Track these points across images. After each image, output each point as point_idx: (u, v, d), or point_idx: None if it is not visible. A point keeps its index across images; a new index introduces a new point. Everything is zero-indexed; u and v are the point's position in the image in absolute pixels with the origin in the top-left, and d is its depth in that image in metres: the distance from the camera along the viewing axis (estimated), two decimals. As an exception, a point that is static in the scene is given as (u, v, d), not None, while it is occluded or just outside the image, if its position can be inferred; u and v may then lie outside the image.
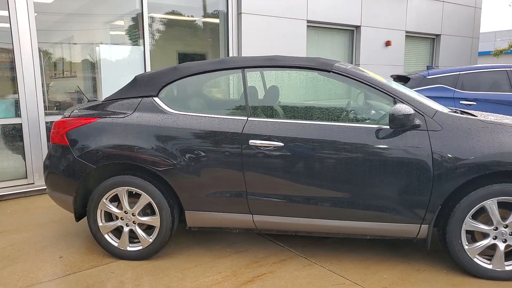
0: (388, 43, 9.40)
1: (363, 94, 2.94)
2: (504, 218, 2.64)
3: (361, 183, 2.68)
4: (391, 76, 7.67)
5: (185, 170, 2.84)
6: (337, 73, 2.83)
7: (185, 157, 2.84)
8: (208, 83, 3.07)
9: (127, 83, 3.11)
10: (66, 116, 3.16)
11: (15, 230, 3.67)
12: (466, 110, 3.29)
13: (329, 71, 2.85)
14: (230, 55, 6.51)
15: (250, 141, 2.77)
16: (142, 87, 3.07)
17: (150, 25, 5.66)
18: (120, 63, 5.40)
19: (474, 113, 3.09)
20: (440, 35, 10.86)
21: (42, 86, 4.91)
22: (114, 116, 3.00)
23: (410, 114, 2.53)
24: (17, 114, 4.76)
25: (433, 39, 11.09)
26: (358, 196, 2.71)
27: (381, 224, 2.76)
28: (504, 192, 2.56)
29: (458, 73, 6.89)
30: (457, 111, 3.20)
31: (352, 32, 8.70)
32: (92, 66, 5.35)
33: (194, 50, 6.19)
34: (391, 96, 2.73)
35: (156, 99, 3.01)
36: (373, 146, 2.65)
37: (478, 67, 6.89)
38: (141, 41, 5.53)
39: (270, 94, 3.37)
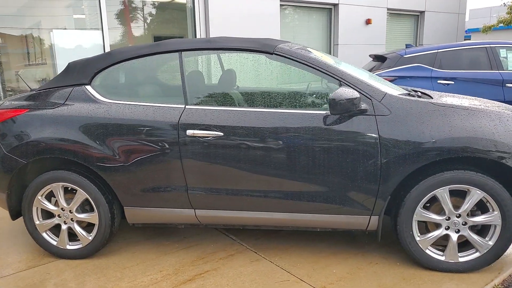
0: (368, 21, 9.11)
1: (321, 80, 2.72)
2: (457, 207, 2.48)
3: (305, 174, 2.50)
4: (370, 55, 7.44)
5: (120, 164, 2.65)
6: (280, 55, 2.62)
7: (119, 150, 2.64)
8: (146, 69, 2.84)
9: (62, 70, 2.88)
10: (-3, 108, 2.93)
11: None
12: (424, 91, 3.10)
13: (271, 53, 2.63)
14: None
15: (188, 131, 2.56)
16: (74, 75, 2.84)
17: (108, 8, 5.37)
18: (78, 48, 5.12)
19: (430, 94, 2.90)
20: (424, 11, 10.56)
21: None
22: (44, 107, 2.78)
23: (354, 98, 2.33)
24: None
25: (417, 16, 10.79)
26: (303, 187, 2.53)
27: (328, 216, 2.59)
28: (456, 179, 2.40)
29: (436, 51, 6.66)
30: (415, 92, 3.00)
31: (329, 10, 8.40)
32: (46, 53, 5.07)
33: (159, 33, 5.92)
34: (336, 79, 2.52)
35: (88, 87, 2.79)
36: (316, 134, 2.46)
37: (457, 45, 6.66)
38: (99, 25, 5.25)
39: (223, 80, 3.14)
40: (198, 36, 6.12)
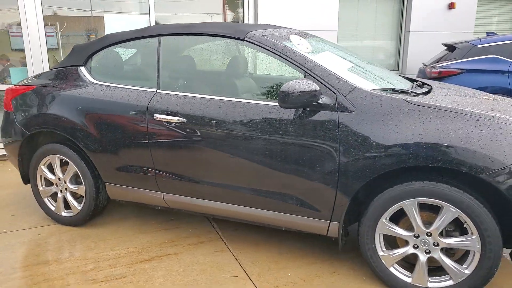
0: (451, 5, 8.10)
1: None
2: (429, 223, 2.13)
3: (261, 168, 2.36)
4: (443, 44, 6.64)
5: (99, 142, 2.80)
6: (250, 42, 2.48)
7: (99, 128, 2.78)
8: (130, 52, 2.92)
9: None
10: (18, 84, 3.29)
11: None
12: (431, 84, 2.68)
13: (242, 40, 2.51)
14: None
15: (155, 115, 2.60)
16: (74, 57, 3.05)
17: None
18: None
19: (435, 89, 2.50)
20: (528, -6, 9.03)
21: None
22: (47, 85, 3.04)
23: (310, 91, 2.11)
24: None
25: (519, 0, 9.27)
26: (259, 181, 2.40)
27: (287, 216, 2.43)
28: (425, 192, 2.05)
29: (519, 40, 5.67)
30: (419, 87, 2.62)
31: (401, -6, 7.65)
32: (100, 36, 5.49)
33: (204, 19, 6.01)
34: (302, 69, 2.31)
35: (81, 68, 2.97)
36: (273, 127, 2.29)
37: (546, 34, 5.60)
38: (147, 10, 5.52)
39: (194, 66, 3.00)
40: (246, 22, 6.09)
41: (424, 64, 6.45)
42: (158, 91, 2.65)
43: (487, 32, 6.52)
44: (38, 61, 5.00)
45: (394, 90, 2.34)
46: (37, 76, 3.22)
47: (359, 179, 2.14)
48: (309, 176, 2.26)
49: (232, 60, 2.80)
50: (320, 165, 2.22)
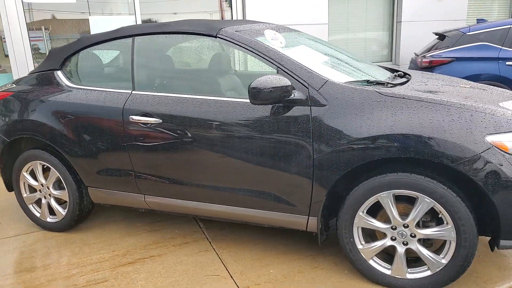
0: (442, -8, 8.03)
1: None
2: (406, 215, 2.11)
3: (237, 166, 2.35)
4: (434, 33, 6.60)
5: (79, 146, 2.78)
6: (223, 39, 2.46)
7: (77, 132, 2.77)
8: (104, 54, 2.90)
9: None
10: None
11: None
12: (411, 73, 2.66)
13: (214, 36, 2.48)
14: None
15: (131, 116, 2.58)
16: (50, 61, 3.04)
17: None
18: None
19: (415, 78, 2.49)
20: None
21: None
22: (23, 91, 3.03)
23: (281, 87, 2.09)
24: None
25: (510, -15, 9.20)
26: (236, 179, 2.39)
27: (266, 213, 2.42)
28: (399, 183, 2.03)
29: (508, 26, 5.63)
30: (397, 77, 2.60)
31: (390, -19, 7.59)
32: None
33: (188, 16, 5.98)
34: (274, 64, 2.29)
35: (58, 72, 2.96)
36: (247, 124, 2.28)
37: (535, 19, 5.55)
38: (133, 10, 5.48)
39: (169, 65, 2.95)
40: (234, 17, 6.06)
41: (415, 54, 6.41)
42: (133, 92, 2.64)
43: (477, 19, 6.47)
44: (23, 66, 4.99)
45: (368, 82, 2.32)
46: (16, 82, 3.21)
47: (334, 173, 2.13)
48: (285, 172, 2.24)
49: (206, 58, 2.78)
50: (295, 160, 2.20)
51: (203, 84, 2.56)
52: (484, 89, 2.47)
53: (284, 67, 2.26)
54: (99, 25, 5.33)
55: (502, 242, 1.98)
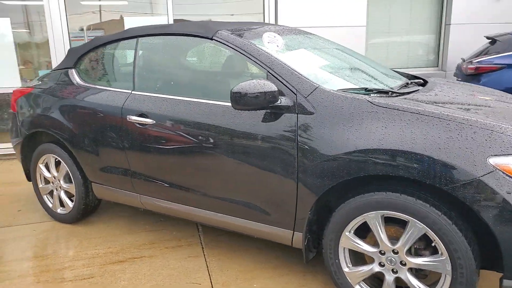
0: (501, -5, 7.34)
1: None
2: (397, 239, 1.89)
3: (221, 173, 2.26)
4: (485, 36, 6.06)
5: (83, 142, 2.85)
6: (218, 41, 2.37)
7: (82, 129, 2.83)
8: (112, 54, 2.94)
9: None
10: (25, 85, 3.46)
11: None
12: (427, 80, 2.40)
13: (210, 39, 2.41)
14: (266, 21, 6.08)
15: (128, 116, 2.58)
16: (68, 59, 3.14)
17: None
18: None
19: (431, 85, 2.25)
20: None
21: None
22: (42, 87, 3.16)
23: (266, 92, 1.96)
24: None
25: None
26: (222, 187, 2.29)
27: (253, 224, 2.29)
28: (388, 204, 1.82)
29: None
30: (410, 85, 2.37)
31: (441, -18, 7.06)
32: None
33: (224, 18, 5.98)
34: (264, 69, 2.16)
35: (72, 70, 3.05)
36: (234, 129, 2.17)
37: None
38: (166, 11, 5.59)
39: (167, 66, 2.88)
40: (266, 19, 5.96)
41: (462, 59, 5.91)
42: (132, 92, 2.64)
43: (538, 24, 5.83)
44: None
45: (367, 90, 2.12)
46: (40, 78, 3.36)
47: (318, 187, 1.96)
48: (268, 182, 2.11)
49: (203, 60, 2.72)
50: (279, 171, 2.06)
51: (199, 87, 2.49)
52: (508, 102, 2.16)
53: (274, 71, 2.13)
54: (132, 25, 5.49)
55: (505, 282, 1.70)
